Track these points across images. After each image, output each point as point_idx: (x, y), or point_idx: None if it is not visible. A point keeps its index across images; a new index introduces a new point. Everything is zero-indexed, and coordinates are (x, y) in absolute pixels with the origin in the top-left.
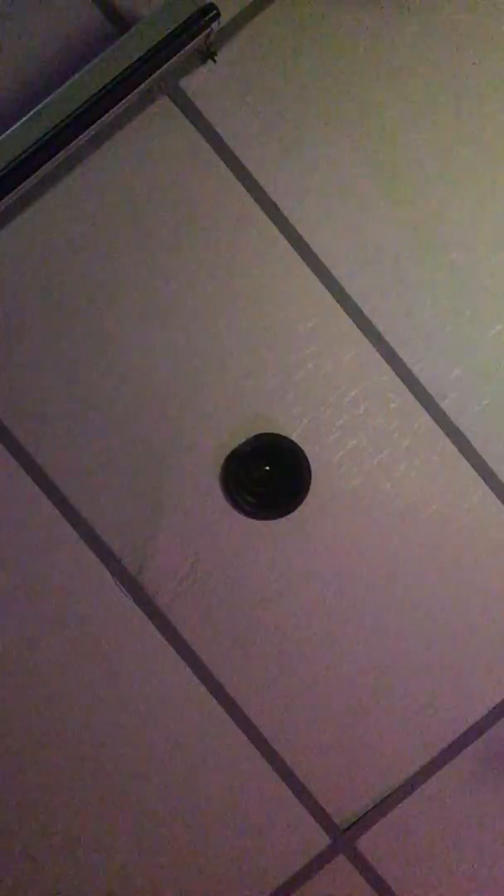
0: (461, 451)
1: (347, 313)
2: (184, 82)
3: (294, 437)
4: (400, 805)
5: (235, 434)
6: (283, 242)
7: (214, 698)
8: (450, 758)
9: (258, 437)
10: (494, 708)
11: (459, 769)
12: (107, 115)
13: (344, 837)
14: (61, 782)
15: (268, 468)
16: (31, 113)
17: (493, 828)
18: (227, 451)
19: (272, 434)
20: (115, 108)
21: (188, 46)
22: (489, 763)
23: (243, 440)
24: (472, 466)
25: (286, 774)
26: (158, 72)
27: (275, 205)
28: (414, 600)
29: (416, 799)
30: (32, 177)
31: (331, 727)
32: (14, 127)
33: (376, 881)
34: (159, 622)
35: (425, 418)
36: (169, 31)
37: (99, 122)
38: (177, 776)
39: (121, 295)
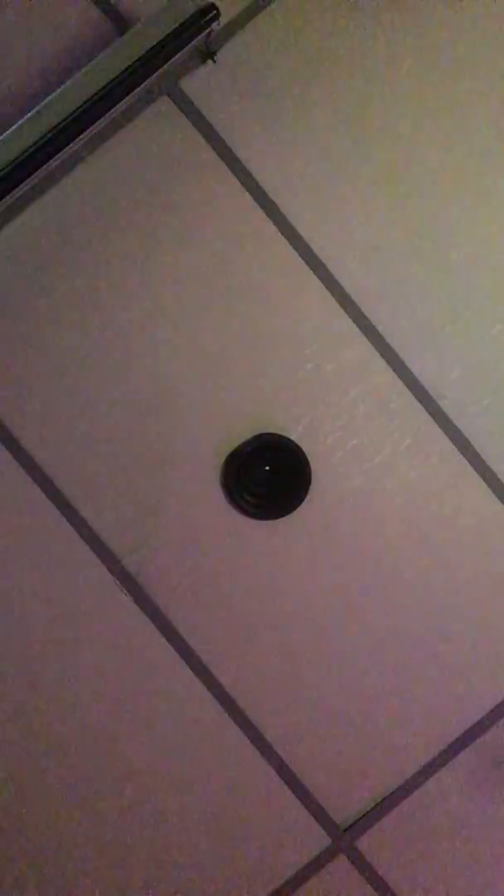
0: (461, 451)
1: (347, 313)
2: (184, 82)
3: (294, 437)
4: (400, 805)
5: (235, 434)
6: (283, 242)
7: (214, 698)
8: (450, 758)
9: (258, 437)
10: (494, 708)
11: (459, 769)
12: (107, 115)
13: (344, 837)
14: (60, 782)
15: (268, 468)
16: (31, 113)
17: (493, 828)
18: (227, 451)
19: (272, 434)
20: (115, 108)
21: (188, 46)
22: (489, 763)
23: (243, 440)
24: (472, 466)
25: (286, 774)
26: (158, 72)
27: (275, 204)
28: (414, 600)
29: (416, 799)
30: (32, 177)
31: (331, 727)
32: (14, 127)
33: (376, 881)
34: (159, 622)
35: (425, 418)
36: (169, 31)
37: (99, 122)
38: (176, 776)
39: (120, 295)
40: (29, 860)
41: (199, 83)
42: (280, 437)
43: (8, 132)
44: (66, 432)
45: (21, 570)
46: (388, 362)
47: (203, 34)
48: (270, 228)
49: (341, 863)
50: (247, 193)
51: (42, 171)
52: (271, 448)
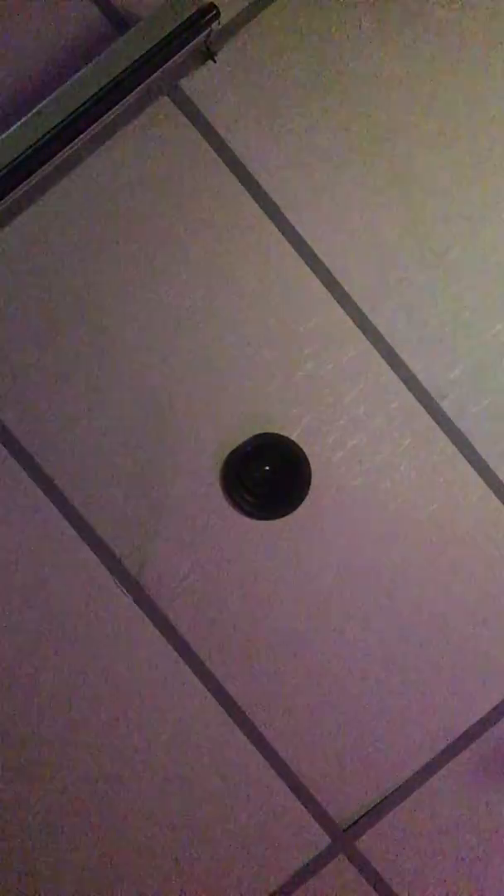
0: (461, 451)
1: (347, 313)
2: (184, 82)
3: (294, 437)
4: (400, 805)
5: (235, 434)
6: (283, 242)
7: (214, 698)
8: (450, 758)
9: (258, 437)
10: (494, 708)
11: (459, 769)
12: (107, 115)
13: (344, 837)
14: (60, 782)
15: (268, 468)
16: (31, 113)
17: (493, 828)
18: (227, 451)
19: (272, 434)
20: (115, 108)
21: (188, 46)
22: (489, 763)
23: (243, 440)
24: (472, 466)
25: (286, 774)
26: (158, 72)
27: (275, 204)
28: (414, 600)
29: (416, 799)
30: (33, 177)
31: (331, 727)
32: (14, 127)
33: (376, 881)
34: (159, 622)
35: (425, 418)
36: (169, 31)
37: (99, 122)
38: (177, 776)
39: (121, 295)
40: (28, 860)
41: (199, 83)
42: (280, 437)
43: (8, 132)
44: (67, 432)
45: (21, 570)
46: (388, 362)
47: (203, 34)
48: (270, 228)
49: (341, 863)
50: (247, 193)
51: (42, 171)
52: (271, 448)
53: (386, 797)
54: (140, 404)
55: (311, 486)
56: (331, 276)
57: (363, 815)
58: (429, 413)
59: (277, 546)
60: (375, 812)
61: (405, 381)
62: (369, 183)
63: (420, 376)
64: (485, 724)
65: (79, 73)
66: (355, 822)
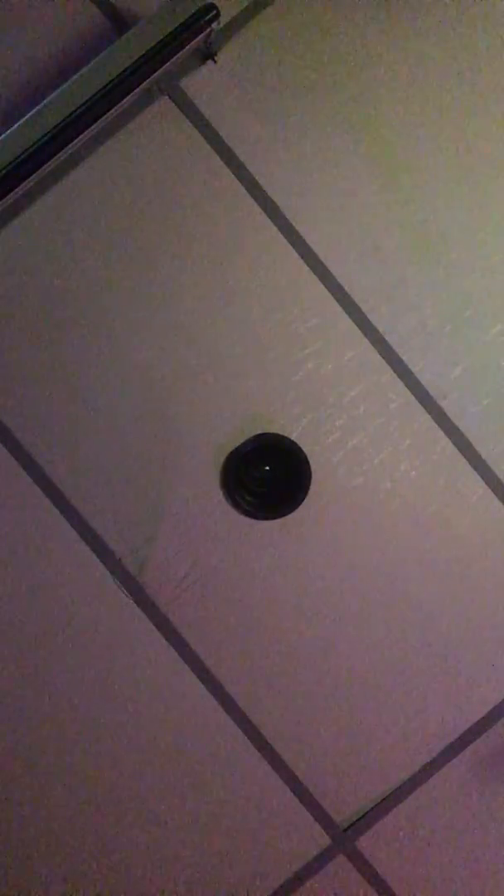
0: (461, 451)
1: (347, 313)
2: (184, 82)
3: (294, 437)
4: (400, 805)
5: (235, 434)
6: (283, 242)
7: (214, 698)
8: (450, 758)
9: (258, 437)
10: (494, 708)
11: (459, 769)
12: (107, 114)
13: (344, 837)
14: (61, 782)
15: (268, 468)
16: (31, 113)
17: (493, 828)
18: (227, 451)
19: (272, 434)
20: (115, 108)
21: (188, 46)
22: (489, 763)
23: (243, 440)
24: (472, 466)
25: (286, 774)
26: (158, 72)
27: (275, 204)
28: (414, 600)
29: (416, 799)
30: (32, 177)
31: (331, 727)
32: (14, 127)
33: (376, 881)
34: (159, 622)
35: (425, 418)
36: (169, 31)
37: (99, 121)
38: (177, 776)
39: (120, 295)
40: (28, 861)
41: (199, 83)
42: (280, 437)
43: (8, 132)
44: (66, 432)
45: (21, 570)
46: (388, 362)
47: (203, 34)
48: (270, 228)
49: (341, 863)
50: (247, 193)
51: (42, 171)
52: (271, 448)
53: (386, 797)
54: (140, 404)
55: (311, 486)
56: (331, 276)
57: (363, 815)
58: (429, 413)
59: (277, 546)
60: (375, 812)
61: (405, 381)
62: (370, 183)
63: (420, 376)
64: (485, 724)
65: (79, 73)
66: (355, 822)
